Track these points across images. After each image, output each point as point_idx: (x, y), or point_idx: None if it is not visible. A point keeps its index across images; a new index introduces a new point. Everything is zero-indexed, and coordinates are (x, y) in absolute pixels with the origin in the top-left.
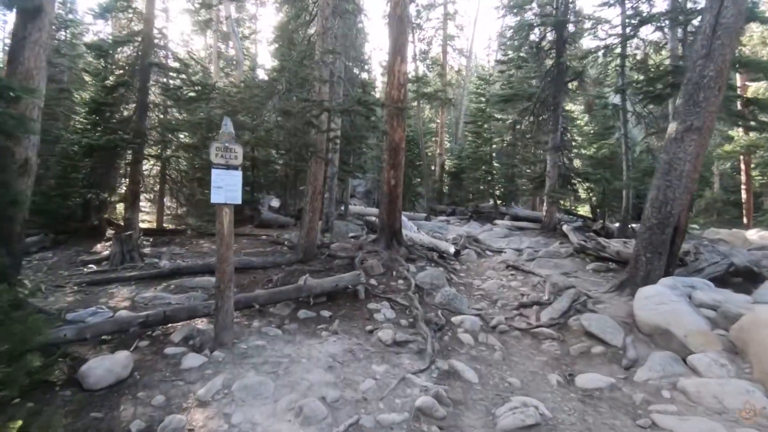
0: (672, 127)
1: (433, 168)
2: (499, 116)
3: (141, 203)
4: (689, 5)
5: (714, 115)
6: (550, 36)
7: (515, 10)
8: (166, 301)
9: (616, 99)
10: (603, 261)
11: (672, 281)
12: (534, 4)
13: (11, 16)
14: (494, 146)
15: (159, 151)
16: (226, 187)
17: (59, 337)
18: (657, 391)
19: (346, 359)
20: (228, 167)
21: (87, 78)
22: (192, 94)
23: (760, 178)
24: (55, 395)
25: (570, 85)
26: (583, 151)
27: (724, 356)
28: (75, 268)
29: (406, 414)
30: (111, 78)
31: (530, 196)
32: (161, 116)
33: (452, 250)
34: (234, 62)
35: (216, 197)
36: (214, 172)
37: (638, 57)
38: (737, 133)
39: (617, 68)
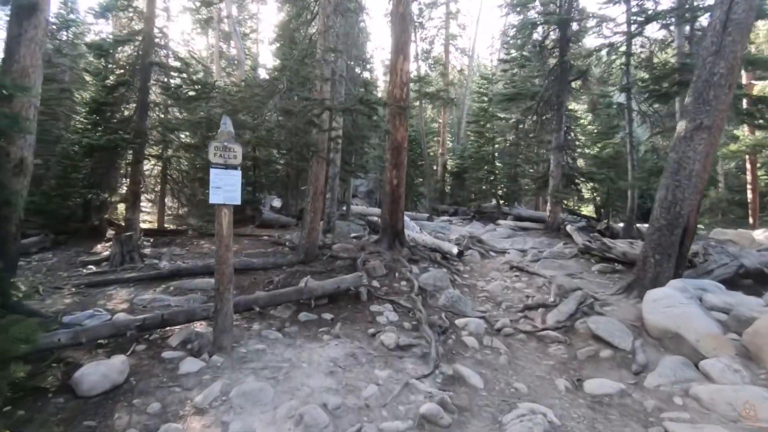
0: (681, 125)
1: (435, 168)
2: (501, 115)
3: (142, 203)
4: (696, 2)
5: (724, 113)
6: (553, 34)
7: (518, 9)
8: (165, 303)
9: (620, 98)
10: (609, 262)
11: (682, 283)
12: (537, 3)
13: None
14: (497, 146)
15: (160, 151)
16: (225, 187)
17: (53, 341)
18: (669, 398)
19: (348, 364)
20: (227, 167)
21: (87, 78)
22: (192, 93)
23: (766, 177)
24: (47, 402)
25: (573, 84)
26: (587, 151)
27: (737, 362)
28: (74, 269)
29: (410, 422)
30: (111, 77)
31: (533, 196)
32: (162, 116)
33: (455, 250)
34: (236, 62)
35: (214, 198)
36: (212, 171)
37: (643, 55)
38: (743, 132)
39: (622, 67)
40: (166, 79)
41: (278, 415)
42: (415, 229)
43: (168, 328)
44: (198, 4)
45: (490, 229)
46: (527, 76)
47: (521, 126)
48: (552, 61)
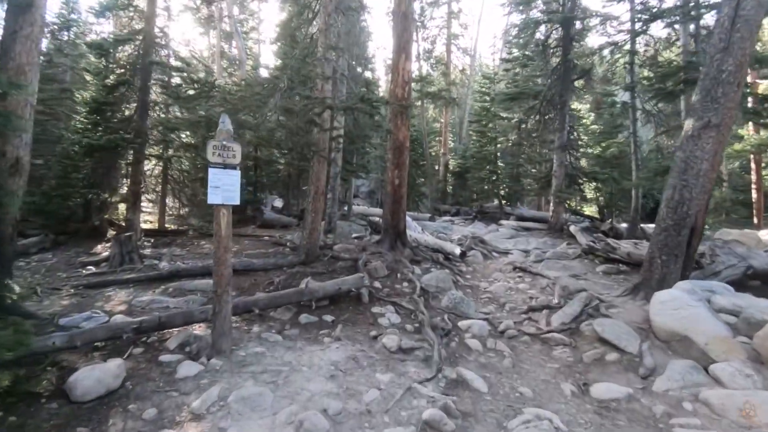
0: (688, 124)
1: (437, 168)
2: (504, 115)
3: (143, 204)
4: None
5: (733, 111)
6: (556, 33)
7: (521, 8)
8: (163, 305)
9: (624, 96)
10: (613, 263)
11: (690, 285)
12: (539, 1)
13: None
14: (499, 146)
15: (160, 150)
16: (224, 187)
17: (47, 345)
18: (678, 403)
19: (349, 367)
20: (226, 166)
21: (88, 77)
22: (191, 91)
23: None
24: (40, 408)
25: (577, 83)
26: (590, 150)
27: (749, 366)
28: (73, 270)
29: (413, 428)
30: (112, 77)
31: (535, 196)
32: (162, 115)
33: (458, 251)
34: (237, 62)
35: (213, 198)
36: (211, 171)
37: (648, 54)
38: (747, 131)
39: (626, 65)
40: (166, 79)
41: (277, 421)
42: (417, 230)
43: (166, 330)
44: (199, 2)
45: (493, 230)
46: (530, 75)
47: (524, 125)
48: (555, 60)
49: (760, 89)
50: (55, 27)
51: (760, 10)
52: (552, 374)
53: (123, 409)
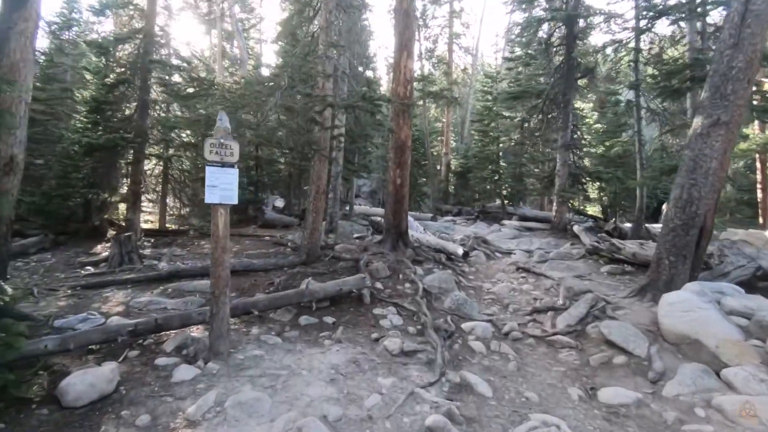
0: (697, 121)
1: (438, 167)
2: (506, 114)
3: (143, 203)
4: None
5: (743, 108)
6: (559, 32)
7: (524, 6)
8: (161, 306)
9: (629, 95)
10: (618, 263)
11: (699, 286)
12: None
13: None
14: (501, 145)
15: (161, 150)
16: (222, 186)
17: (39, 348)
18: (690, 409)
19: (350, 371)
20: (223, 164)
21: (88, 76)
22: (191, 90)
23: None
24: (30, 414)
25: (580, 82)
26: (594, 150)
27: (763, 370)
28: (72, 270)
29: None
30: (112, 76)
31: (538, 196)
32: (162, 114)
33: (460, 251)
34: (238, 61)
35: (210, 197)
36: (208, 170)
37: (653, 51)
38: (752, 131)
39: (630, 63)
40: (167, 77)
41: (275, 427)
42: (418, 230)
43: (163, 332)
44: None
45: (495, 230)
46: (533, 74)
47: (526, 125)
48: (558, 59)
49: (766, 87)
50: (56, 27)
51: None
52: (558, 378)
53: (116, 415)
